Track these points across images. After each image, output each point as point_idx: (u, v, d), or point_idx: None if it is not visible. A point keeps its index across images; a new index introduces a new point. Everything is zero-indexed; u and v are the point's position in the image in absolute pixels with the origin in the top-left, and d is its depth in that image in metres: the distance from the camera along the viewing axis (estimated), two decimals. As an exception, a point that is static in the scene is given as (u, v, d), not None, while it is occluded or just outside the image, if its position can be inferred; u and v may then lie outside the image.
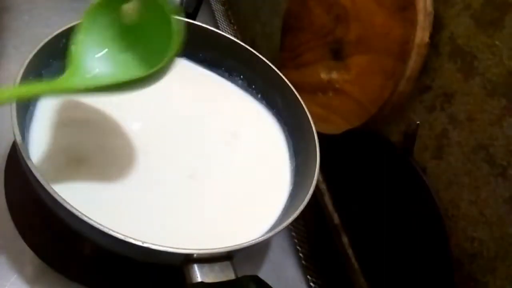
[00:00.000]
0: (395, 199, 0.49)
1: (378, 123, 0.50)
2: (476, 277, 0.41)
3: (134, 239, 0.31)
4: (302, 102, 0.48)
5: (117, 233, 0.30)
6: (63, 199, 0.31)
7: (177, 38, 0.33)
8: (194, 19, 0.52)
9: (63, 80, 0.33)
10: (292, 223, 0.37)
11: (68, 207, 0.30)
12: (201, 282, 0.32)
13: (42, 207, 0.34)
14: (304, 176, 0.44)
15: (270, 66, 0.51)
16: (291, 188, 0.46)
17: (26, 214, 0.41)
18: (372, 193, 0.52)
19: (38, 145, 0.39)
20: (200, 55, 0.53)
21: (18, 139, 0.33)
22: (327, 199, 0.58)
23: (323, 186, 0.58)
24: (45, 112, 0.41)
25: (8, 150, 0.44)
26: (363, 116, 0.50)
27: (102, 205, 0.37)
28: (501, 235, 0.39)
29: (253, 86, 0.54)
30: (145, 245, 0.31)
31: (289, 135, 0.51)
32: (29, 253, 0.39)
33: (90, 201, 0.37)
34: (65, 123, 0.41)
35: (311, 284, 0.51)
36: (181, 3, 0.53)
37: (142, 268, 0.40)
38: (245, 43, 0.52)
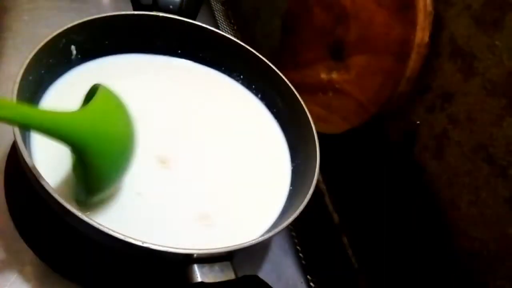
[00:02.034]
0: (395, 199, 0.49)
1: (378, 123, 0.50)
2: (476, 277, 0.41)
3: (134, 239, 0.31)
4: (302, 102, 0.48)
5: (117, 233, 0.30)
6: (63, 199, 0.31)
7: None
8: (194, 19, 0.52)
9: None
10: (292, 223, 0.37)
11: (68, 207, 0.30)
12: (201, 282, 0.32)
13: (42, 207, 0.34)
14: (304, 176, 0.44)
15: (270, 66, 0.51)
16: (291, 188, 0.46)
17: (26, 214, 0.41)
18: (372, 193, 0.52)
19: (39, 145, 0.39)
20: (200, 55, 0.53)
21: (18, 139, 0.33)
22: (327, 199, 0.58)
23: (323, 186, 0.58)
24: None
25: (8, 150, 0.44)
26: (363, 116, 0.50)
27: (102, 205, 0.37)
28: (501, 235, 0.39)
29: (253, 86, 0.54)
30: (145, 245, 0.31)
31: (289, 135, 0.51)
32: (29, 253, 0.39)
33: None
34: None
35: (311, 284, 0.51)
36: (181, 3, 0.53)
37: (142, 268, 0.40)
38: (245, 43, 0.52)
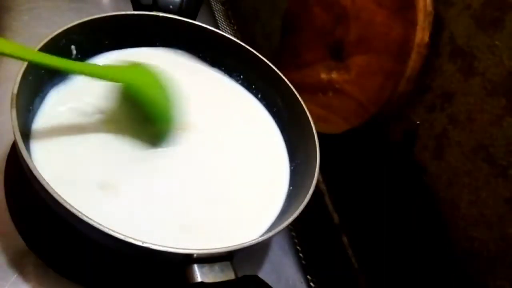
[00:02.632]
0: (395, 199, 0.49)
1: (378, 123, 0.50)
2: (476, 277, 0.41)
3: (134, 239, 0.31)
4: (302, 102, 0.48)
5: (117, 233, 0.30)
6: (63, 199, 0.31)
7: None
8: (194, 19, 0.52)
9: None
10: (292, 223, 0.37)
11: (68, 207, 0.30)
12: (201, 282, 0.32)
13: (42, 207, 0.34)
14: (304, 176, 0.44)
15: (270, 66, 0.51)
16: (291, 188, 0.46)
17: (26, 214, 0.41)
18: (372, 193, 0.52)
19: (39, 145, 0.39)
20: (200, 55, 0.53)
21: (18, 139, 0.33)
22: (327, 199, 0.58)
23: (323, 186, 0.58)
24: (46, 112, 0.41)
25: (8, 150, 0.44)
26: (363, 116, 0.50)
27: (102, 205, 0.37)
28: (501, 235, 0.39)
29: (253, 86, 0.54)
30: (145, 245, 0.31)
31: (289, 135, 0.51)
32: (29, 253, 0.39)
33: (90, 200, 0.37)
34: (66, 123, 0.41)
35: (311, 284, 0.51)
36: (181, 3, 0.53)
37: (142, 268, 0.40)
38: (245, 43, 0.52)
